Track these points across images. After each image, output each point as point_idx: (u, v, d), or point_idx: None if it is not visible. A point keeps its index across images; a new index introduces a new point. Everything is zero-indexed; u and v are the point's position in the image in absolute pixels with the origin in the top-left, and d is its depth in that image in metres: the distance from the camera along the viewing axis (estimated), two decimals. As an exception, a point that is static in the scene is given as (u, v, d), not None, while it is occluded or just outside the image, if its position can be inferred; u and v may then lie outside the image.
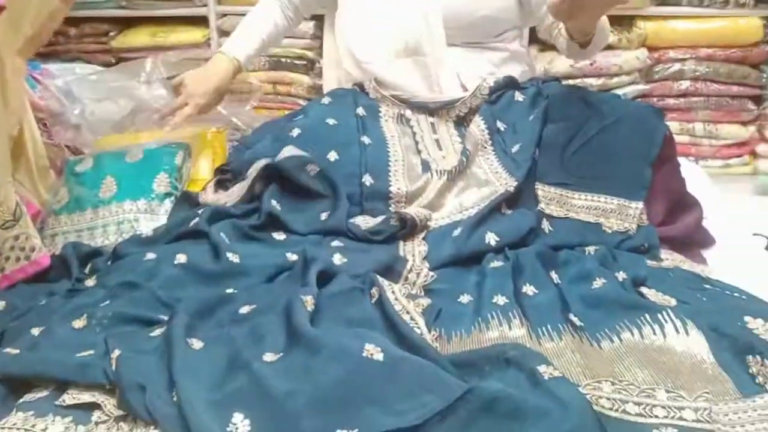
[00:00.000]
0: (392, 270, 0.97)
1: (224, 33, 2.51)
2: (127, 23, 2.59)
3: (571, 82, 2.04)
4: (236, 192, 1.16)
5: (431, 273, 0.99)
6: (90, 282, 1.01)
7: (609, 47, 2.20)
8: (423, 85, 1.32)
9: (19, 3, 1.12)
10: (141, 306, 0.91)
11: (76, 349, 0.80)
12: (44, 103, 1.48)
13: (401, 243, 1.06)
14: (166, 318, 0.86)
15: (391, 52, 1.33)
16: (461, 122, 1.26)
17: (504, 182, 1.11)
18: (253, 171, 1.14)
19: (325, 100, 1.29)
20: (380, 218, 1.09)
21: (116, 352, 0.75)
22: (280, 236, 1.08)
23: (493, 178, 1.13)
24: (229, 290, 0.94)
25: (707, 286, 0.94)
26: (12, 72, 1.14)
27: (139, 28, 2.56)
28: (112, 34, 2.57)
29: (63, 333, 0.85)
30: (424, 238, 1.07)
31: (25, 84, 1.26)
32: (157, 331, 0.83)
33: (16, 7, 1.11)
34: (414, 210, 1.09)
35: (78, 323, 0.87)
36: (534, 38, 2.28)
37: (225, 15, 2.49)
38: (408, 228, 1.06)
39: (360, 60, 1.36)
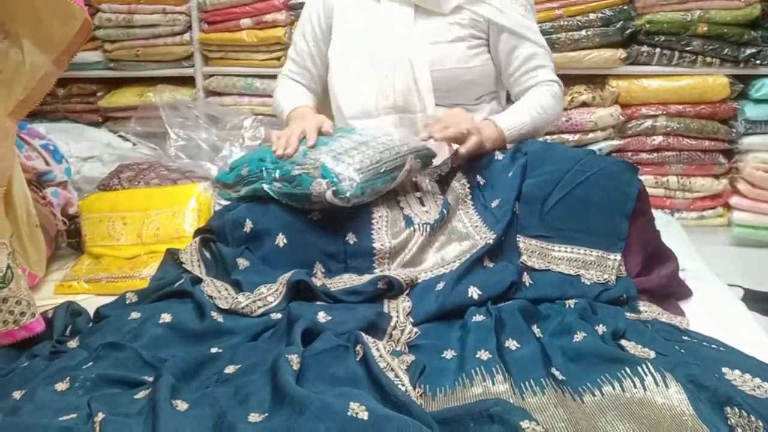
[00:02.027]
0: (377, 327, 0.98)
1: (211, 93, 2.56)
2: (114, 83, 2.64)
3: (548, 138, 2.09)
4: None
5: (415, 329, 1.00)
6: (72, 343, 1.00)
7: (584, 104, 2.28)
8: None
9: (12, 66, 1.14)
10: (125, 367, 0.90)
11: (59, 413, 0.79)
12: (30, 163, 1.49)
13: (385, 300, 1.08)
14: (150, 379, 0.86)
15: (379, 109, 1.38)
16: (443, 179, 1.29)
17: (484, 236, 1.14)
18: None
19: None
20: (367, 278, 1.11)
21: (100, 416, 0.74)
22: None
23: (473, 231, 1.16)
24: (214, 349, 0.94)
25: (685, 338, 0.96)
26: (2, 134, 1.15)
27: (126, 88, 2.60)
28: (99, 94, 2.61)
29: (46, 396, 0.84)
30: (408, 294, 1.08)
31: (15, 146, 1.28)
32: (142, 393, 0.83)
33: (8, 71, 1.13)
34: (400, 273, 1.11)
35: (61, 386, 0.86)
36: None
37: (212, 75, 2.55)
38: (395, 291, 1.08)
39: (347, 116, 1.41)
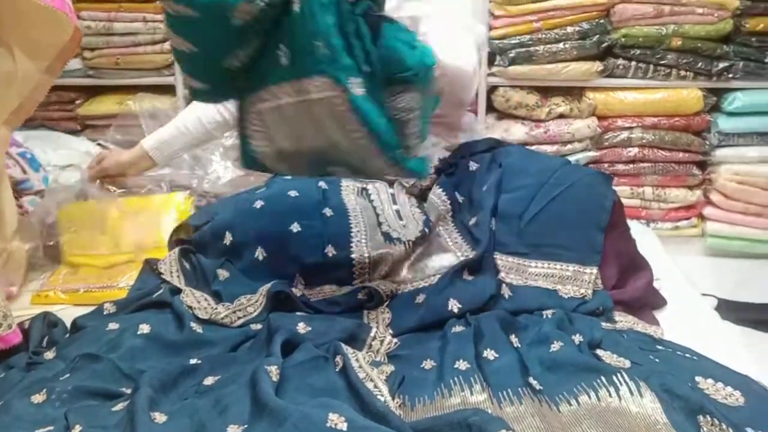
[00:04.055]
0: (356, 338, 0.99)
1: (191, 101, 2.55)
2: (94, 91, 2.61)
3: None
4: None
5: (395, 340, 1.00)
6: (49, 354, 0.99)
7: (561, 116, 2.31)
8: None
9: (3, 75, 1.14)
10: (102, 379, 0.90)
11: (35, 425, 0.78)
12: (7, 172, 1.48)
13: (365, 311, 1.08)
14: (128, 391, 0.86)
15: None
16: (420, 195, 1.30)
17: (464, 252, 1.15)
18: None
19: (289, 174, 1.32)
20: (347, 289, 1.11)
21: (77, 428, 0.74)
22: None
23: (453, 247, 1.17)
24: (193, 360, 0.93)
25: (659, 347, 0.98)
26: (-4, 142, 1.15)
27: (105, 96, 2.58)
28: (78, 102, 2.59)
29: (22, 408, 0.83)
30: (387, 306, 1.09)
31: (4, 154, 1.27)
32: (120, 405, 0.82)
33: (2, 80, 1.13)
34: (381, 284, 1.11)
35: (37, 398, 0.85)
36: (491, 107, 2.38)
37: (191, 84, 2.54)
38: (375, 302, 1.09)
39: None
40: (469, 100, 1.47)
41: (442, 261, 1.16)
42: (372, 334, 1.00)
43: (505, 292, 1.09)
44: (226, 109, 1.46)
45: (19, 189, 1.50)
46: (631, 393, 0.81)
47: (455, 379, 0.87)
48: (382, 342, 0.99)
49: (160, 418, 0.77)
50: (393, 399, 0.82)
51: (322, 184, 1.23)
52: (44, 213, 1.49)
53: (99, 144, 2.20)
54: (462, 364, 0.91)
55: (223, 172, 1.80)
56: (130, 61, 2.51)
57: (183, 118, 1.55)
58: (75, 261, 1.39)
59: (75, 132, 2.56)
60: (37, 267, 1.41)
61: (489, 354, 0.94)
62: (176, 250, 1.23)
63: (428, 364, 0.94)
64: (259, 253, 1.15)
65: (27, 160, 1.61)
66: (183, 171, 1.80)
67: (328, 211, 1.18)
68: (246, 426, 0.75)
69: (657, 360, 0.92)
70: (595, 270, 1.12)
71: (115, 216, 1.44)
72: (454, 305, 1.04)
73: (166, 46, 2.49)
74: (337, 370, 0.87)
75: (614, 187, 1.21)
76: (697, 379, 0.85)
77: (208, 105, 1.46)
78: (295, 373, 0.86)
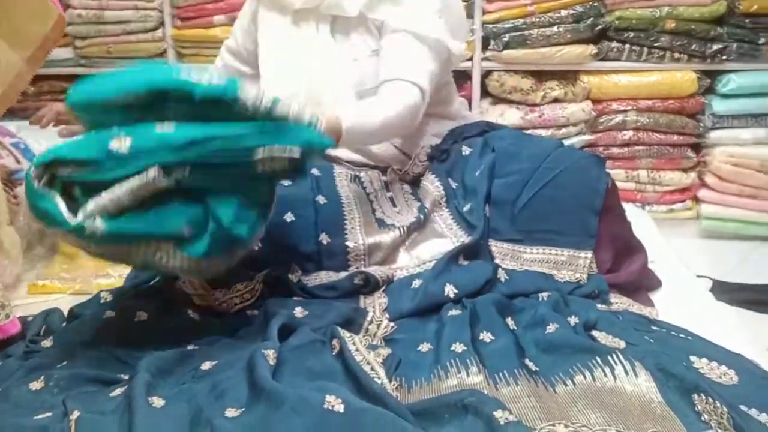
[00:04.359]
0: (353, 322, 0.99)
1: (183, 89, 2.54)
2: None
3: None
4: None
5: (391, 324, 1.01)
6: (47, 343, 0.99)
7: (556, 100, 2.31)
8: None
9: (-15, 66, 1.13)
10: (100, 366, 0.90)
11: (34, 412, 0.79)
12: (0, 162, 1.47)
13: (362, 296, 1.08)
14: (126, 377, 0.86)
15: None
16: (413, 181, 1.30)
17: (459, 238, 1.15)
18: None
19: None
20: (343, 274, 1.11)
21: (75, 414, 0.74)
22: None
23: (448, 233, 1.17)
24: (191, 346, 0.94)
25: (654, 328, 0.99)
26: (-22, 132, 1.14)
27: (97, 85, 2.57)
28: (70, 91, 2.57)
29: (20, 395, 0.84)
30: (384, 291, 1.09)
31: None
32: (117, 391, 0.83)
33: (-18, 70, 1.12)
34: (377, 269, 1.12)
35: (35, 385, 0.85)
36: (485, 92, 2.37)
37: (184, 72, 2.53)
38: (371, 286, 1.09)
39: None
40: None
41: (438, 247, 1.16)
42: (368, 318, 1.00)
43: (502, 275, 1.09)
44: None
45: (13, 179, 1.50)
46: (626, 373, 0.82)
47: (452, 361, 0.88)
48: (378, 326, 0.99)
49: (158, 402, 0.77)
50: (390, 381, 0.83)
51: (314, 171, 1.23)
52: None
53: (92, 133, 2.19)
54: (458, 347, 0.91)
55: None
56: (121, 49, 2.49)
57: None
58: (71, 251, 1.39)
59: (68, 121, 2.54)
60: (34, 257, 1.40)
61: (485, 336, 0.95)
62: None
63: (425, 347, 0.94)
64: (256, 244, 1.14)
65: (20, 150, 1.61)
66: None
67: (321, 199, 1.18)
68: (243, 409, 0.76)
69: (652, 340, 0.93)
70: (589, 254, 1.12)
71: (109, 205, 1.44)
72: (450, 290, 1.05)
73: (158, 33, 2.47)
74: (334, 353, 0.87)
75: (609, 171, 1.21)
76: (692, 358, 0.86)
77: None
78: (292, 356, 0.86)
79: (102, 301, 1.09)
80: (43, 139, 1.99)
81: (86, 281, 1.28)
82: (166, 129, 0.87)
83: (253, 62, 1.42)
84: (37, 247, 1.44)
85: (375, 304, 1.06)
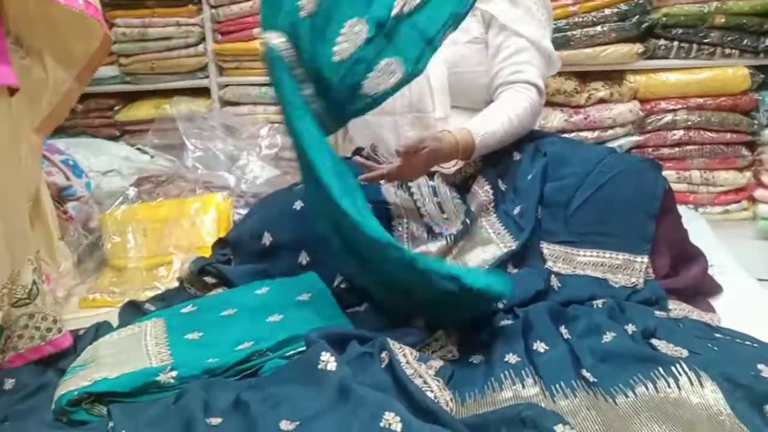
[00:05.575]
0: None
1: (226, 103, 2.57)
2: (131, 97, 2.66)
3: (566, 136, 2.07)
4: None
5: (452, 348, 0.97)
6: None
7: (601, 101, 2.25)
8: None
9: (35, 83, 1.16)
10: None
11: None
12: (51, 179, 1.51)
13: None
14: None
15: (396, 106, 1.35)
16: (462, 184, 1.28)
17: (507, 244, 1.13)
18: None
19: None
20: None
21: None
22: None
23: (496, 239, 1.14)
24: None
25: (717, 335, 0.94)
26: (29, 149, 1.17)
27: (142, 101, 2.62)
28: (117, 108, 2.63)
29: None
30: None
31: (40, 161, 1.29)
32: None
33: (33, 88, 1.15)
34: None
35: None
36: (527, 95, 2.33)
37: (227, 86, 2.55)
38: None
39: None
40: None
41: (484, 254, 1.13)
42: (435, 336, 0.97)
43: (554, 283, 1.06)
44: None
45: (63, 195, 1.54)
46: (691, 383, 0.78)
47: (506, 372, 0.85)
48: (441, 347, 0.96)
49: (214, 421, 0.76)
50: (444, 394, 0.80)
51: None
52: (87, 218, 1.51)
53: (138, 148, 2.24)
54: (512, 358, 0.89)
55: (260, 171, 1.81)
56: (164, 65, 2.54)
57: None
58: (119, 264, 1.41)
59: (114, 138, 2.60)
60: (84, 271, 1.43)
61: (539, 346, 0.92)
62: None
63: (476, 358, 0.92)
64: (303, 258, 1.13)
65: (70, 167, 1.65)
66: (220, 171, 1.81)
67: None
68: (299, 423, 0.74)
69: (716, 348, 0.89)
70: (646, 259, 1.09)
71: (156, 219, 1.46)
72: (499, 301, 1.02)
73: (200, 48, 2.51)
74: (382, 366, 0.85)
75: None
76: (760, 367, 0.82)
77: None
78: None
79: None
80: (92, 156, 2.04)
81: (134, 294, 1.30)
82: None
83: None
84: (87, 261, 1.47)
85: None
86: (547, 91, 2.23)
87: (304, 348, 0.88)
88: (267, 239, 1.16)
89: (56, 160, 1.62)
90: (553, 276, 1.07)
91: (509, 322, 0.98)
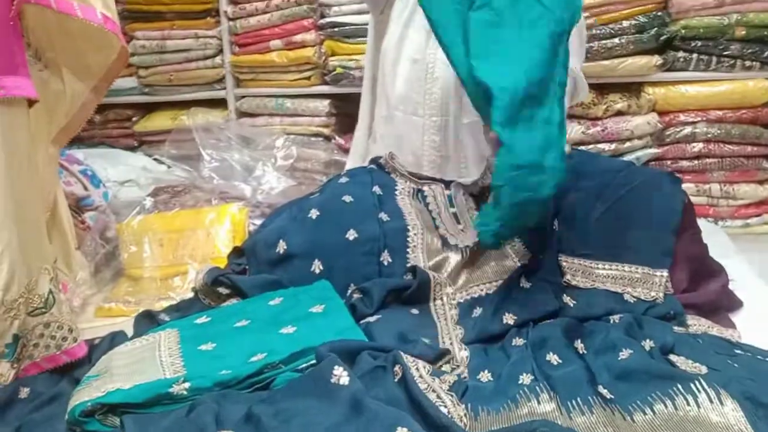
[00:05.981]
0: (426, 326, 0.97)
1: (243, 114, 2.59)
2: (149, 108, 2.69)
3: (583, 148, 2.06)
4: None
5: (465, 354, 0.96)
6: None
7: (619, 113, 2.24)
8: (442, 145, 1.38)
9: (53, 95, 1.17)
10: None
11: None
12: (69, 189, 1.52)
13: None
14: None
15: (425, 107, 1.37)
16: (479, 194, 1.27)
17: (521, 256, 1.11)
18: None
19: (342, 179, 1.29)
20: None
21: None
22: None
23: (510, 252, 1.13)
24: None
25: (738, 351, 0.92)
26: (46, 160, 1.18)
27: (160, 112, 2.65)
28: (135, 119, 2.66)
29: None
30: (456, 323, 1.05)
31: (57, 172, 1.30)
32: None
33: (50, 98, 1.16)
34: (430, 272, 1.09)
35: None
36: (544, 107, 2.32)
37: (243, 97, 2.58)
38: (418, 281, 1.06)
39: (393, 104, 1.42)
40: None
41: (500, 267, 1.12)
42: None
43: (569, 300, 1.05)
44: None
45: (81, 205, 1.55)
46: (711, 401, 0.77)
47: (521, 392, 0.84)
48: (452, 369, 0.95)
49: None
50: (458, 409, 0.79)
51: (376, 188, 1.22)
52: (105, 228, 1.52)
53: (155, 159, 2.26)
54: (526, 378, 0.87)
55: (275, 182, 1.81)
56: (182, 77, 2.57)
57: None
58: (135, 274, 1.42)
59: (132, 148, 2.64)
60: (100, 281, 1.44)
61: (552, 358, 0.91)
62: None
63: (484, 376, 0.91)
64: (316, 266, 1.13)
65: (88, 177, 1.66)
66: (236, 182, 1.82)
67: (384, 216, 1.16)
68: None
69: (736, 365, 0.87)
70: (665, 273, 1.07)
71: (172, 229, 1.47)
72: (510, 318, 1.01)
73: (217, 60, 2.54)
74: (396, 380, 0.84)
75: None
76: (782, 385, 0.80)
77: None
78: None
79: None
80: (109, 166, 2.06)
81: (149, 304, 1.30)
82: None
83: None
84: (104, 270, 1.48)
85: (452, 335, 1.02)
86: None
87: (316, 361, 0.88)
88: (281, 247, 1.16)
89: (75, 170, 1.64)
90: (565, 295, 1.06)
91: (521, 341, 0.96)
